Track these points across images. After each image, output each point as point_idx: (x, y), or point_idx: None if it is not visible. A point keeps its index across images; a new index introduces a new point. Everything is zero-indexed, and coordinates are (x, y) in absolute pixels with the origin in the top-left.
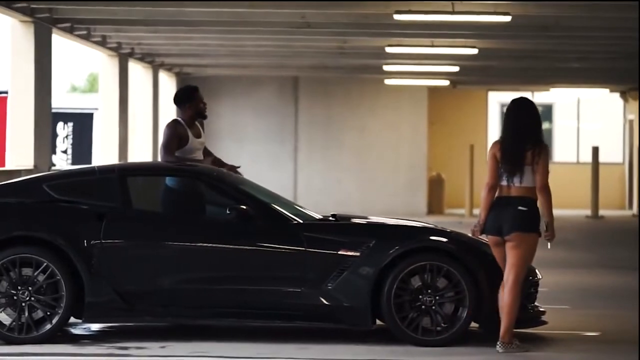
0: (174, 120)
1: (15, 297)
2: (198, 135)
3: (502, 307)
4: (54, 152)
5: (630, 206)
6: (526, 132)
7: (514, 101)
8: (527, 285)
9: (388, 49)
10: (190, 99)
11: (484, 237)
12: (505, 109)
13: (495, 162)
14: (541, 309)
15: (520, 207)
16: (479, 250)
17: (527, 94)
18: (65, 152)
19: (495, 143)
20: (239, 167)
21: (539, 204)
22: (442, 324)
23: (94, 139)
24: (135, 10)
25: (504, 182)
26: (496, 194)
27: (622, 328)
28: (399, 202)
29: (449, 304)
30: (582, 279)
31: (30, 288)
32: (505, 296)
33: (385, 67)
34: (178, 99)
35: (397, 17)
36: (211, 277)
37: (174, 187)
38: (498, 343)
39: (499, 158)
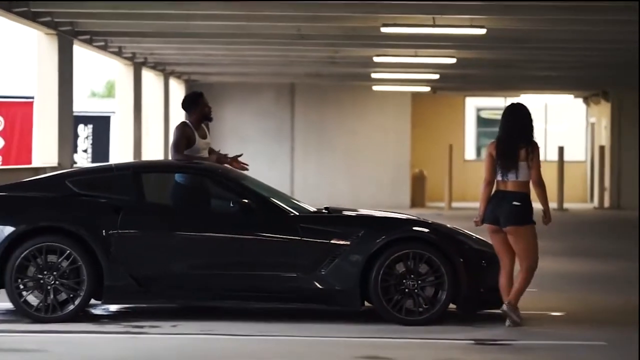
0: (183, 123)
1: (41, 281)
2: (204, 136)
3: (502, 287)
4: (76, 151)
5: (592, 200)
6: (519, 132)
7: (511, 105)
8: (499, 271)
9: (375, 59)
10: (196, 104)
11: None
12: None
13: (492, 160)
14: None
15: (514, 202)
16: (457, 239)
17: (499, 99)
18: (85, 151)
19: (491, 143)
20: (240, 155)
21: (535, 195)
22: (424, 306)
23: (111, 140)
24: (148, 24)
25: (500, 178)
26: (494, 188)
27: (586, 309)
28: (385, 196)
29: (430, 287)
30: (549, 265)
31: (55, 273)
32: (519, 275)
33: (373, 75)
34: (185, 104)
35: (383, 29)
36: (217, 264)
37: (183, 182)
38: (505, 302)
39: (495, 156)
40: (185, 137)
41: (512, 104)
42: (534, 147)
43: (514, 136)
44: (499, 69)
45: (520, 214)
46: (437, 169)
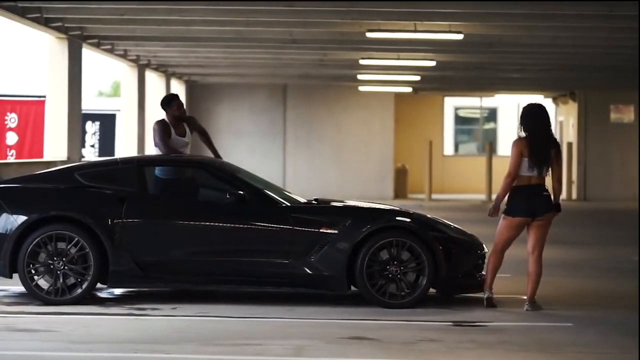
0: (161, 119)
1: (51, 266)
2: (182, 134)
3: (490, 268)
4: (84, 146)
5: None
6: (550, 132)
7: (539, 106)
8: (475, 257)
9: (361, 61)
10: (169, 105)
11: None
12: (526, 111)
13: (520, 157)
14: None
15: (545, 193)
16: (437, 228)
17: (475, 99)
18: (93, 146)
19: (519, 141)
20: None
21: (554, 189)
22: (406, 290)
23: (117, 136)
24: (151, 29)
25: (531, 173)
26: (515, 183)
27: (556, 292)
28: (370, 188)
29: (411, 273)
30: (522, 252)
31: (64, 259)
32: (532, 266)
33: (359, 77)
34: (162, 104)
35: (369, 34)
36: (213, 250)
37: (181, 176)
38: (526, 303)
39: (527, 154)
40: (164, 131)
41: (539, 105)
42: (559, 147)
43: (547, 136)
44: (475, 71)
45: (551, 202)
46: (418, 163)
